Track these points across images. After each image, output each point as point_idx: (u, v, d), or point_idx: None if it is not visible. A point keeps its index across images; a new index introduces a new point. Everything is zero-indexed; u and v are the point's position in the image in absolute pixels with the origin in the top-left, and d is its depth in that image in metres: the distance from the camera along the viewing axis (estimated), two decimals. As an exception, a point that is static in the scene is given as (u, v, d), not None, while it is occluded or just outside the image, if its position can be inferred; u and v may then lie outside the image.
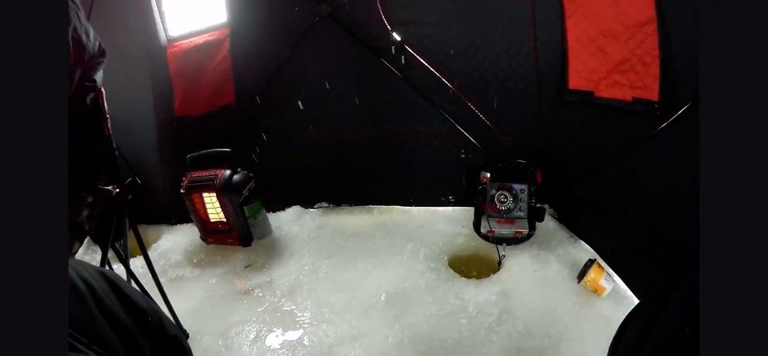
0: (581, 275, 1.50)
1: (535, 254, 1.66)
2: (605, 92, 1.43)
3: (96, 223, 1.24)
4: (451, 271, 1.64)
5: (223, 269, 1.78)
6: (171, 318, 0.73)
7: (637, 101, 1.31)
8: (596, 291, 1.46)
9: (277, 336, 1.50)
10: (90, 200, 1.20)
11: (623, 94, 1.35)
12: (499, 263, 1.66)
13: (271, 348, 1.46)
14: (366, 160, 2.01)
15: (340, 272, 1.70)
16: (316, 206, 2.07)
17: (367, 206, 1.98)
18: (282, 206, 2.08)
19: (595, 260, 1.51)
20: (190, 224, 2.05)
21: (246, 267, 1.75)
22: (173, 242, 2.04)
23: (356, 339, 1.43)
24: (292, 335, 1.49)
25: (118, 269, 1.57)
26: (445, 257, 1.69)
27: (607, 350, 1.18)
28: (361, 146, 2.00)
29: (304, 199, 2.08)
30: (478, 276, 1.63)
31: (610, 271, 1.51)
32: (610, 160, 1.47)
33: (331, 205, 2.05)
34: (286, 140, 2.06)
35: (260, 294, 1.65)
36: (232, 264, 1.79)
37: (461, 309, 1.49)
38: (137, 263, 1.68)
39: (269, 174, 1.97)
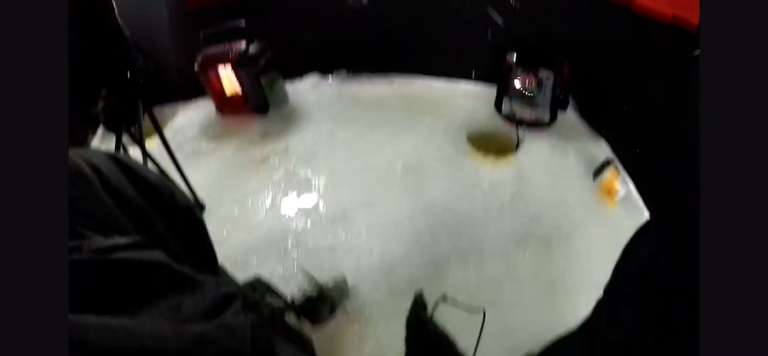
0: (597, 173, 1.47)
1: (553, 143, 1.63)
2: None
3: (109, 110, 1.23)
4: (469, 147, 1.62)
5: (239, 140, 1.78)
6: (183, 191, 0.71)
7: (676, 18, 1.22)
8: (609, 193, 1.45)
9: (292, 201, 1.52)
10: (105, 92, 1.17)
11: (663, 7, 1.26)
12: (517, 145, 1.63)
13: (287, 214, 1.49)
14: (388, 30, 1.91)
15: (357, 140, 1.68)
16: (334, 74, 2.02)
17: (387, 76, 1.92)
18: (299, 75, 2.03)
19: (612, 161, 1.48)
20: (205, 99, 2.03)
21: (262, 136, 1.75)
22: (188, 119, 2.04)
23: (370, 206, 1.45)
24: (308, 201, 1.51)
25: (134, 152, 1.59)
26: (464, 133, 1.66)
27: (612, 254, 1.17)
28: (384, 16, 1.89)
29: (323, 67, 2.02)
30: (496, 156, 1.61)
31: (626, 176, 1.48)
32: (637, 70, 1.39)
33: (351, 73, 2.00)
34: (304, 6, 1.96)
35: (276, 162, 1.66)
36: (249, 134, 1.79)
37: (476, 185, 1.49)
38: (152, 144, 1.68)
39: (286, 43, 1.90)
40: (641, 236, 0.72)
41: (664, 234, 0.65)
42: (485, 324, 1.12)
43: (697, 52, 1.14)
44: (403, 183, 1.51)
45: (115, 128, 1.31)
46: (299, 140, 1.71)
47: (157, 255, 0.49)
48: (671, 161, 1.30)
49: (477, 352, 1.21)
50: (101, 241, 0.47)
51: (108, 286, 0.42)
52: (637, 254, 0.71)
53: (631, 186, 1.47)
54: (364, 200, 1.47)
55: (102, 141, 1.87)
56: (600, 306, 0.79)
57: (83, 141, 1.26)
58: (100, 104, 1.19)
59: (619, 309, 0.69)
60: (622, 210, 1.43)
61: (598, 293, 0.88)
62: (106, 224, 0.52)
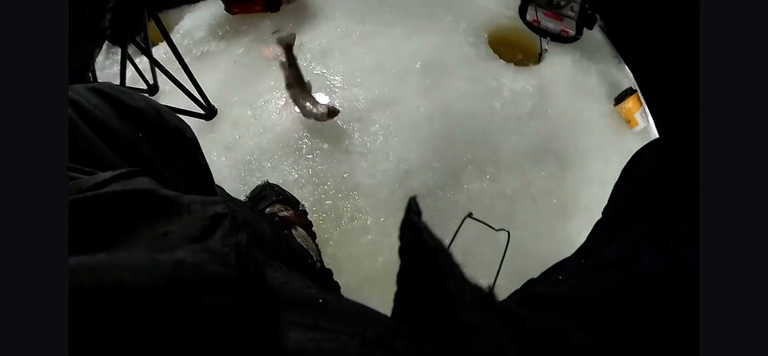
0: (619, 99, 1.43)
1: (577, 59, 1.56)
2: None
3: (115, 21, 1.16)
4: (490, 51, 1.55)
5: (250, 37, 1.70)
6: (172, 112, 0.68)
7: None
8: (629, 122, 1.41)
9: (306, 101, 1.48)
10: (111, 4, 1.08)
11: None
12: (540, 55, 1.56)
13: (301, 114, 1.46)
14: None
15: (375, 36, 1.61)
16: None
17: (406, -30, 1.82)
18: (313, -33, 1.92)
19: (636, 91, 1.42)
20: (213, -2, 1.94)
21: (274, 33, 1.68)
22: (196, 19, 1.94)
23: (388, 106, 1.41)
24: (323, 100, 1.46)
25: (140, 62, 1.53)
26: (486, 36, 1.59)
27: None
28: None
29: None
30: (517, 63, 1.54)
31: (647, 110, 1.43)
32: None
33: (368, -35, 1.88)
34: None
35: (290, 60, 1.60)
36: (260, 32, 1.70)
37: (496, 92, 1.45)
38: (160, 51, 1.62)
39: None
40: (644, 153, 0.71)
41: (666, 151, 0.63)
42: (497, 243, 1.11)
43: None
44: (421, 83, 1.45)
45: (121, 39, 1.27)
46: (313, 37, 1.63)
47: (141, 182, 0.47)
48: (696, 103, 1.25)
49: (486, 271, 1.22)
50: (84, 180, 0.45)
51: (92, 225, 0.40)
52: (638, 172, 0.69)
53: (651, 121, 1.43)
54: (382, 99, 1.43)
55: (106, 57, 1.81)
56: (597, 227, 0.78)
57: (90, 57, 1.21)
58: (108, 16, 1.12)
59: (616, 230, 0.67)
60: (640, 142, 1.39)
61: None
62: (89, 159, 0.51)
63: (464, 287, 0.32)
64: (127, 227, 0.42)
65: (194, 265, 0.37)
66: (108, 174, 0.46)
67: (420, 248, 0.41)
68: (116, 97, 0.60)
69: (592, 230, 0.82)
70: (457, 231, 1.08)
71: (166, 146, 0.64)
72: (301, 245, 1.08)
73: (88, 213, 0.41)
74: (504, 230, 1.09)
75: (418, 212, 0.61)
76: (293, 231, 1.11)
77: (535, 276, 0.87)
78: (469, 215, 1.13)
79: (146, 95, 1.15)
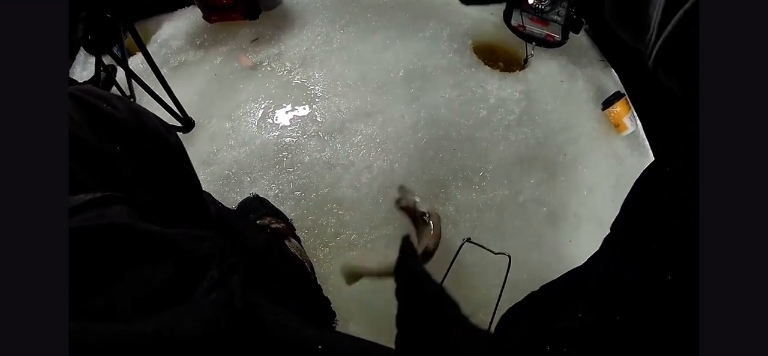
0: (607, 103, 1.40)
1: (563, 64, 1.54)
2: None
3: (89, 33, 1.12)
4: (475, 57, 1.51)
5: (229, 46, 1.65)
6: (155, 118, 0.64)
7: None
8: (618, 127, 1.38)
9: (287, 112, 1.43)
10: (84, 14, 1.05)
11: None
12: (526, 61, 1.53)
13: (281, 124, 1.40)
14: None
15: (356, 43, 1.56)
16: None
17: (388, -24, 1.78)
18: (293, -27, 1.87)
19: (624, 95, 1.40)
20: (191, 7, 1.88)
21: (253, 41, 1.63)
22: (174, 29, 1.88)
23: (370, 115, 1.37)
24: (303, 110, 1.42)
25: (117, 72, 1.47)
26: (470, 42, 1.55)
27: (614, 190, 1.09)
28: None
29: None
30: (503, 70, 1.51)
31: (635, 114, 1.41)
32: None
33: (349, -28, 1.84)
34: None
35: (269, 69, 1.54)
36: (238, 40, 1.65)
37: (482, 99, 1.41)
38: (137, 60, 1.56)
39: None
40: (646, 178, 0.67)
41: (661, 178, 0.62)
42: (487, 253, 1.06)
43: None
44: (404, 92, 1.41)
45: (96, 50, 1.21)
46: (293, 45, 1.58)
47: (116, 213, 0.44)
48: (683, 107, 1.23)
49: (479, 285, 1.17)
50: None
51: (69, 261, 0.37)
52: (639, 199, 0.67)
53: (639, 124, 1.41)
54: (364, 109, 1.38)
55: (84, 67, 1.75)
56: (604, 245, 0.74)
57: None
58: (80, 27, 1.06)
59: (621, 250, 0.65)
60: (628, 147, 1.37)
61: (598, 228, 0.81)
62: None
63: (474, 337, 0.31)
64: (109, 266, 0.40)
65: (181, 334, 0.37)
66: (80, 199, 0.42)
67: (423, 296, 0.38)
68: (95, 106, 0.55)
69: (600, 248, 0.78)
70: (454, 257, 1.04)
71: (147, 156, 0.60)
72: (297, 256, 1.03)
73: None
74: (504, 254, 1.04)
75: (414, 255, 0.57)
76: (287, 242, 1.06)
77: (536, 290, 0.83)
78: (468, 239, 1.09)
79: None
